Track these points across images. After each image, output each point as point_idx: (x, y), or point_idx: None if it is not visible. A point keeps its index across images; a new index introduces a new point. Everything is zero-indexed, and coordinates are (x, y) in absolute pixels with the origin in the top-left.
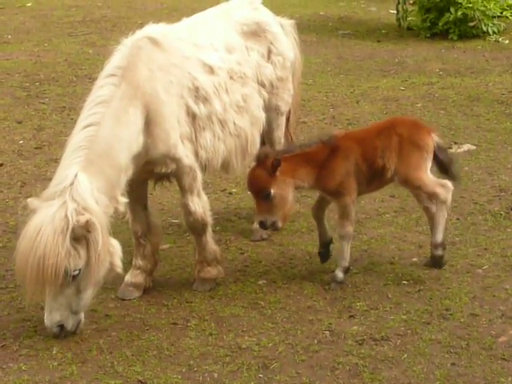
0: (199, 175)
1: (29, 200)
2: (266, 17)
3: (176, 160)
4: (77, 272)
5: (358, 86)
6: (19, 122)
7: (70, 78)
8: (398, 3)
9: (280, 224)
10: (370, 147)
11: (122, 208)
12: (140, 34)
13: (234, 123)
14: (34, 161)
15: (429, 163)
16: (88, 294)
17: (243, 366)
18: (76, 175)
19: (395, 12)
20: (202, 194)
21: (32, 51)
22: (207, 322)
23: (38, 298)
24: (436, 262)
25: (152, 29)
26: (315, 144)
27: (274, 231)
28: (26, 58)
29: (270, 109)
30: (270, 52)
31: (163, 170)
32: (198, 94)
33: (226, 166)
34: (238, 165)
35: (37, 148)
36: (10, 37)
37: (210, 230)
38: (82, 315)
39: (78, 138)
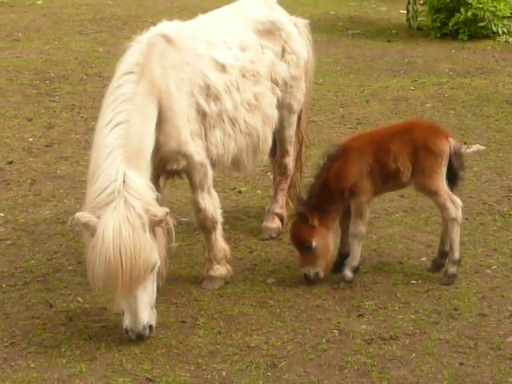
0: (210, 172)
1: (78, 215)
2: (281, 16)
3: (187, 156)
4: (157, 264)
5: (367, 85)
6: (29, 120)
7: (80, 76)
8: (409, 3)
9: (322, 274)
10: (383, 150)
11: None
12: (154, 31)
13: (245, 121)
14: (44, 158)
15: (444, 169)
16: (156, 285)
17: (252, 364)
18: (125, 173)
19: (405, 12)
20: (213, 191)
21: (42, 49)
22: (216, 321)
23: (124, 302)
24: (449, 280)
25: (166, 26)
26: (327, 165)
27: (317, 281)
28: (37, 55)
29: (283, 107)
30: (284, 51)
31: (174, 167)
32: (209, 92)
33: (236, 164)
34: (248, 162)
35: (47, 146)
36: (20, 35)
37: (219, 227)
38: (155, 309)
39: (111, 136)
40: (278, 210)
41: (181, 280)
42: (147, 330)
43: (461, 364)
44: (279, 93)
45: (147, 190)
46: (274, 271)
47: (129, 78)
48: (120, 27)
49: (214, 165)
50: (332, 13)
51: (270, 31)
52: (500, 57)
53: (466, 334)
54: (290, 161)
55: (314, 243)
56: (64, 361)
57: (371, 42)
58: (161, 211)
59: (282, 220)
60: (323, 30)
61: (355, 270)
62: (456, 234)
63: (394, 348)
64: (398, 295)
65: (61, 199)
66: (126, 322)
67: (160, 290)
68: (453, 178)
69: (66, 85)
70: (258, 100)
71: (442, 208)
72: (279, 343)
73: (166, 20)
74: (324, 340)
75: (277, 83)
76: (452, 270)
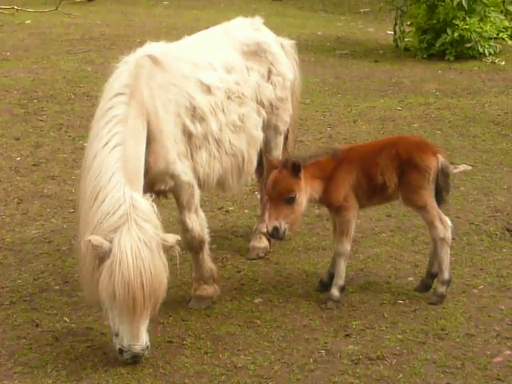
0: (197, 192)
1: (91, 238)
2: (267, 37)
3: (174, 177)
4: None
5: (355, 105)
6: (17, 139)
7: (68, 96)
8: (395, 24)
9: (288, 233)
10: (371, 163)
11: None
12: (141, 52)
13: (230, 142)
14: (32, 178)
15: (432, 185)
16: None
17: None
18: (131, 196)
19: (392, 33)
20: (200, 211)
21: (30, 68)
22: (203, 341)
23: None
24: (438, 299)
25: (152, 47)
26: (324, 155)
27: (278, 240)
28: (25, 75)
29: (269, 128)
30: (270, 72)
31: (162, 187)
32: (195, 114)
33: (221, 184)
34: (234, 183)
35: (34, 165)
36: (8, 54)
37: (207, 247)
38: None
39: (111, 158)
40: (265, 230)
41: (168, 300)
42: (146, 351)
43: None
44: (265, 114)
45: (152, 211)
46: (261, 291)
47: (120, 100)
48: (108, 47)
49: (200, 185)
50: (319, 33)
51: (255, 53)
52: (486, 77)
53: (453, 354)
54: None
55: (297, 196)
56: (50, 381)
57: (358, 62)
58: (172, 237)
59: (269, 239)
60: (311, 50)
61: (342, 289)
62: (445, 253)
63: (381, 368)
64: (385, 315)
65: (48, 218)
66: (123, 342)
67: None
68: (437, 196)
69: (53, 104)
70: (242, 121)
71: (430, 226)
72: (266, 363)
73: (153, 40)
74: (311, 360)
75: (263, 105)
76: (441, 289)
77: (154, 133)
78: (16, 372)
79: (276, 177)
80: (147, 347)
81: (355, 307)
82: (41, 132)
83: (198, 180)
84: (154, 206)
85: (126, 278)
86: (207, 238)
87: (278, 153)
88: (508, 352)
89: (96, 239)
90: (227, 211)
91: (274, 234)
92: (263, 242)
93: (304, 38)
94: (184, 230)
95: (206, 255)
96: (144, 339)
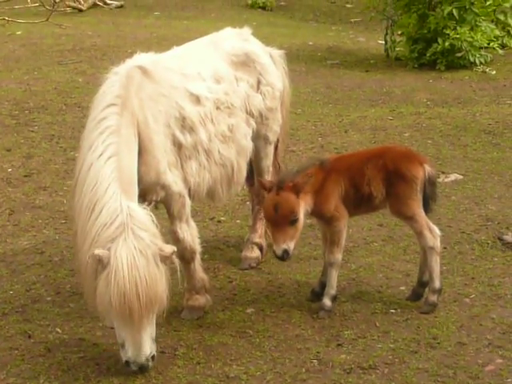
0: (188, 202)
1: (97, 251)
2: (256, 48)
3: (165, 187)
4: (168, 296)
5: (346, 115)
6: (8, 150)
7: (60, 107)
8: (386, 34)
9: (288, 256)
10: (358, 173)
11: None
12: (131, 63)
13: (220, 152)
14: (23, 189)
15: (420, 195)
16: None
17: None
18: (128, 206)
19: (383, 42)
20: (191, 221)
21: (22, 79)
22: (195, 351)
23: (127, 334)
24: (429, 308)
25: (142, 58)
26: (311, 167)
27: (286, 260)
28: (16, 86)
29: (259, 138)
30: (259, 82)
31: (154, 198)
32: (185, 124)
33: (211, 195)
34: (223, 193)
35: (26, 176)
36: None
37: (198, 257)
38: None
39: (106, 169)
40: (257, 240)
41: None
42: (150, 362)
43: None
44: (254, 124)
45: (150, 220)
46: (253, 301)
47: (112, 110)
48: (100, 57)
49: (190, 195)
50: (310, 43)
51: (244, 63)
52: (477, 87)
53: (444, 363)
54: None
55: (300, 215)
56: None
57: (349, 72)
58: (168, 248)
59: (261, 249)
60: (302, 60)
61: (334, 299)
62: (435, 262)
63: (373, 377)
64: (377, 324)
65: (39, 229)
66: (128, 353)
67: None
68: (424, 206)
69: (45, 115)
70: (232, 131)
71: (419, 235)
72: (258, 373)
73: (144, 51)
74: (303, 370)
75: (252, 115)
76: (432, 298)
77: (144, 143)
78: (8, 383)
79: (277, 200)
80: (152, 357)
81: (347, 316)
82: (32, 143)
83: (189, 190)
84: (152, 215)
85: (122, 288)
86: (199, 248)
87: (268, 163)
88: (500, 360)
89: (103, 252)
90: (219, 221)
91: (284, 257)
92: (255, 252)
93: (295, 48)
94: (175, 240)
95: (198, 265)
96: (148, 349)
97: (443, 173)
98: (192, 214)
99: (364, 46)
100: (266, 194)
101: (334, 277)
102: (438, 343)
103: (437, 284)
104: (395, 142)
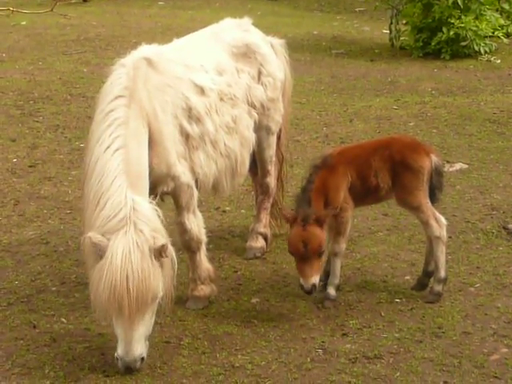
0: (196, 193)
1: (90, 234)
2: (256, 38)
3: (175, 178)
4: (162, 293)
5: (351, 104)
6: (13, 141)
7: (64, 97)
8: (391, 23)
9: None
10: (365, 165)
11: None
12: (136, 54)
13: (225, 144)
14: (28, 179)
15: (426, 185)
16: (154, 317)
17: None
18: (133, 199)
19: (388, 32)
20: (198, 211)
21: (26, 70)
22: (200, 341)
23: (120, 330)
24: (434, 298)
25: (147, 49)
26: (318, 173)
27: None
28: (21, 76)
29: (261, 129)
30: (260, 73)
31: (165, 189)
32: (191, 114)
33: (216, 186)
34: (227, 185)
35: (30, 166)
36: (4, 55)
37: (204, 248)
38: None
39: (113, 162)
40: (261, 230)
41: (164, 300)
42: (138, 363)
43: (445, 382)
44: (256, 115)
45: (155, 214)
46: (258, 291)
47: (120, 103)
48: (104, 48)
49: (197, 186)
50: (315, 33)
51: (245, 54)
52: (482, 76)
53: (450, 353)
54: (271, 180)
55: (324, 248)
56: (48, 382)
57: (354, 61)
58: (160, 240)
59: (265, 239)
60: (306, 49)
61: (337, 288)
62: (441, 252)
63: (378, 367)
64: (382, 314)
65: (44, 220)
66: (119, 350)
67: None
68: (431, 195)
69: (49, 105)
70: (235, 123)
71: (425, 225)
72: (264, 363)
73: (149, 40)
74: (308, 359)
75: (254, 106)
76: (438, 288)
77: (154, 135)
78: (14, 373)
79: (305, 236)
80: (142, 359)
81: (352, 306)
82: (37, 133)
83: (196, 181)
84: (158, 209)
85: (113, 281)
86: (205, 238)
87: (271, 153)
88: (505, 350)
89: (95, 236)
90: (224, 211)
91: (313, 292)
92: (260, 242)
93: (300, 38)
94: (182, 231)
95: (203, 255)
96: (138, 350)
97: (448, 162)
98: (197, 205)
99: (369, 36)
100: (289, 226)
101: (337, 266)
102: (443, 332)
103: (442, 274)
104: (400, 132)
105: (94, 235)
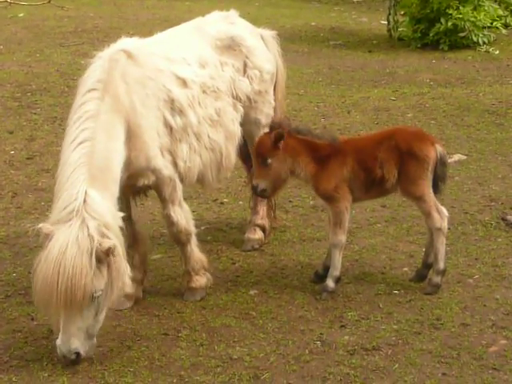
0: (179, 185)
1: (41, 225)
2: (241, 31)
3: (156, 171)
4: (100, 293)
5: (349, 96)
6: (10, 133)
7: (62, 89)
8: (389, 14)
9: (268, 194)
10: (370, 157)
11: (119, 223)
12: (115, 47)
13: (209, 136)
14: (26, 171)
15: (430, 175)
16: (103, 316)
17: (234, 376)
18: (86, 192)
19: (386, 23)
20: (184, 203)
21: (24, 61)
22: (198, 333)
23: (59, 324)
24: (432, 289)
25: (126, 42)
26: (324, 139)
27: (262, 198)
28: (18, 68)
29: (250, 122)
30: (245, 66)
31: (145, 182)
32: (174, 106)
33: (201, 179)
34: (213, 178)
35: (28, 158)
36: (1, 47)
37: (194, 238)
38: (95, 340)
39: (75, 154)
40: (259, 222)
41: (163, 292)
42: (73, 356)
43: (444, 374)
44: (241, 109)
45: (108, 210)
46: (256, 282)
47: (92, 95)
48: (101, 39)
49: (181, 180)
50: (313, 24)
51: (229, 47)
52: (480, 67)
53: (448, 344)
54: None
55: (269, 160)
56: (46, 374)
57: (352, 52)
58: (106, 243)
59: (263, 231)
60: (304, 40)
61: (337, 281)
62: (441, 244)
63: (376, 359)
64: (381, 305)
65: (42, 212)
66: (58, 338)
67: (141, 303)
68: (433, 187)
69: (47, 97)
70: (219, 116)
71: (427, 216)
72: (262, 355)
73: (146, 32)
74: (307, 351)
75: (239, 99)
76: (436, 279)
77: (132, 128)
78: (12, 365)
79: (259, 138)
80: (77, 354)
81: (350, 298)
82: (35, 125)
83: (180, 174)
84: (116, 204)
85: (46, 272)
86: (193, 229)
87: None
88: (503, 341)
89: (46, 227)
90: (222, 203)
91: (253, 191)
92: (258, 234)
93: (298, 29)
94: (170, 223)
95: (195, 246)
96: (73, 343)
97: (446, 153)
98: (195, 196)
99: (367, 27)
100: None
101: (337, 258)
102: (442, 324)
103: (441, 265)
104: (398, 123)
105: (44, 225)
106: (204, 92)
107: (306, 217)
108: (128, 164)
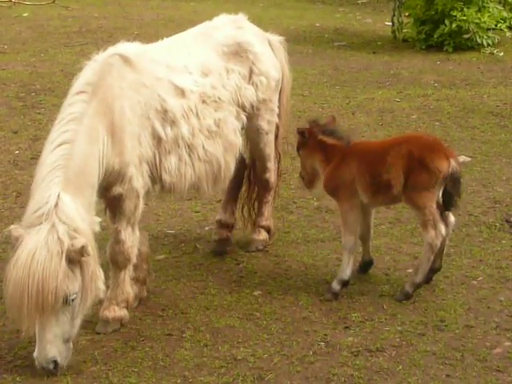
0: (141, 206)
1: (12, 227)
2: (249, 36)
3: (125, 179)
4: (74, 296)
5: (353, 97)
6: (15, 132)
7: (66, 89)
8: (394, 15)
9: (306, 182)
10: (379, 160)
11: (97, 228)
12: (111, 51)
13: (204, 148)
14: (30, 171)
15: (438, 188)
16: (79, 321)
17: (238, 377)
18: (59, 196)
19: (391, 24)
20: (137, 228)
21: (28, 61)
22: (202, 333)
23: (33, 330)
24: (402, 297)
25: (125, 47)
26: (342, 141)
27: (304, 187)
28: (23, 68)
29: (252, 130)
30: (251, 72)
31: (120, 190)
32: (166, 117)
33: (196, 190)
34: (208, 190)
35: (32, 158)
36: (6, 47)
37: (131, 269)
38: (71, 344)
39: (52, 156)
40: (263, 223)
41: (167, 292)
42: (50, 365)
43: (448, 376)
44: (244, 118)
45: (78, 215)
46: (260, 283)
47: (80, 98)
48: (106, 39)
49: (169, 191)
50: (318, 25)
51: (236, 53)
52: (485, 68)
53: (452, 346)
54: (271, 175)
55: (300, 152)
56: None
57: (357, 53)
58: (78, 242)
59: (268, 232)
60: (309, 41)
61: (344, 284)
62: (427, 258)
63: (380, 360)
64: (385, 307)
65: None
66: (35, 350)
67: (146, 303)
68: (446, 202)
69: (51, 97)
70: (219, 126)
71: (423, 228)
72: (266, 356)
73: (151, 32)
74: (311, 352)
75: (244, 108)
76: (409, 289)
77: (117, 134)
78: (16, 365)
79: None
80: (54, 362)
81: (354, 299)
82: (39, 125)
83: (165, 187)
84: (80, 209)
85: (16, 277)
86: (134, 259)
87: (268, 151)
88: (507, 343)
89: (16, 230)
90: None
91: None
92: (262, 235)
93: (302, 30)
94: (115, 240)
95: (128, 277)
96: (49, 352)
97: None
98: (199, 197)
99: (371, 28)
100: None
101: (345, 261)
102: (446, 326)
103: (419, 278)
104: (402, 124)
105: (15, 228)
106: (203, 102)
107: (311, 218)
108: (111, 170)
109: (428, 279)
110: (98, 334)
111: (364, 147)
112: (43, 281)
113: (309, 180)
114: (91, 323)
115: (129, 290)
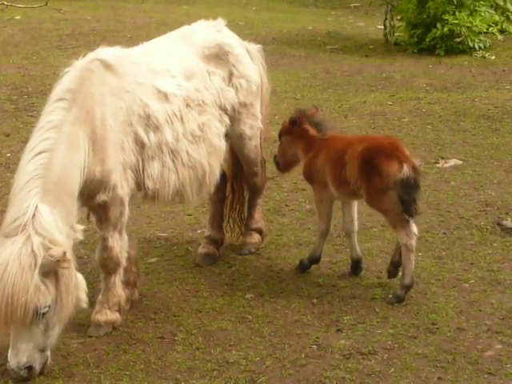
0: (126, 212)
1: None
2: (229, 39)
3: (109, 186)
4: (46, 309)
5: (345, 100)
6: (7, 135)
7: None
8: (386, 19)
9: (280, 167)
10: (339, 156)
11: (80, 236)
12: (92, 56)
13: (188, 153)
14: None
15: (394, 192)
16: (56, 332)
17: (230, 380)
18: (36, 207)
19: (382, 27)
20: (124, 233)
21: (20, 64)
22: (194, 336)
23: (5, 338)
24: (394, 301)
25: (105, 52)
26: (321, 133)
27: (278, 171)
28: (15, 70)
29: (235, 135)
30: (231, 75)
31: (103, 198)
32: (149, 122)
33: (180, 197)
34: (193, 196)
35: None
36: None
37: (121, 272)
38: (49, 352)
39: (31, 165)
40: (254, 226)
41: (159, 295)
42: (24, 372)
43: (439, 379)
44: (227, 121)
45: (55, 226)
46: (252, 286)
47: (59, 105)
48: (98, 42)
49: (152, 198)
50: (310, 28)
51: (217, 55)
52: (477, 72)
53: (444, 349)
54: (258, 179)
55: (282, 138)
56: (42, 377)
57: (349, 57)
58: (58, 251)
59: (260, 234)
60: (301, 45)
61: (314, 261)
62: (408, 259)
63: (372, 363)
64: (377, 310)
65: None
66: (8, 355)
67: (138, 306)
68: (404, 209)
69: (44, 100)
70: (203, 131)
71: (393, 230)
72: (258, 359)
73: (143, 35)
74: (303, 355)
75: (226, 110)
76: (400, 293)
77: (98, 141)
78: (7, 369)
79: (284, 121)
80: (29, 368)
81: (346, 302)
82: (31, 128)
83: (149, 193)
84: (58, 220)
85: None
86: (124, 263)
87: (253, 156)
88: (499, 346)
89: None
90: None
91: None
92: (254, 238)
93: (294, 33)
94: (103, 247)
95: (118, 280)
96: (22, 358)
97: (442, 158)
98: (184, 204)
99: (363, 31)
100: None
101: (317, 243)
102: (437, 329)
103: (407, 281)
104: (395, 128)
105: None
106: (188, 106)
107: (303, 221)
108: (92, 178)
109: (393, 273)
110: (90, 337)
111: (334, 141)
112: (13, 294)
113: (284, 165)
114: (83, 326)
115: (120, 293)
